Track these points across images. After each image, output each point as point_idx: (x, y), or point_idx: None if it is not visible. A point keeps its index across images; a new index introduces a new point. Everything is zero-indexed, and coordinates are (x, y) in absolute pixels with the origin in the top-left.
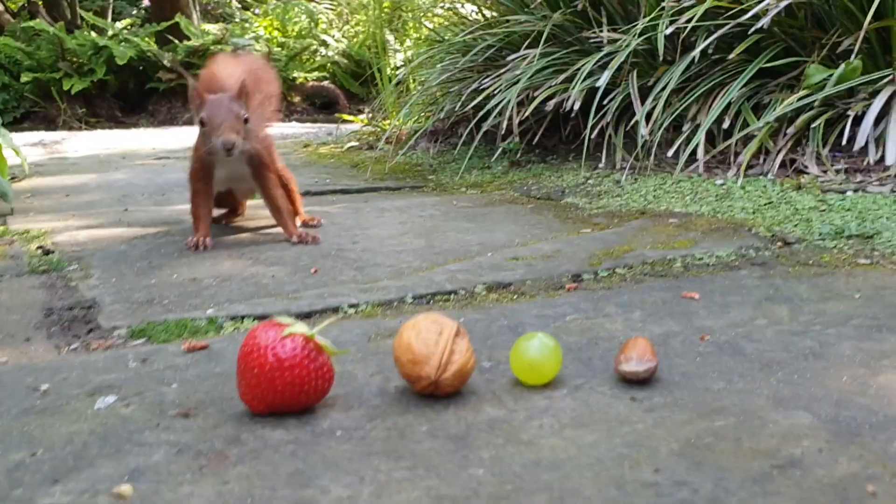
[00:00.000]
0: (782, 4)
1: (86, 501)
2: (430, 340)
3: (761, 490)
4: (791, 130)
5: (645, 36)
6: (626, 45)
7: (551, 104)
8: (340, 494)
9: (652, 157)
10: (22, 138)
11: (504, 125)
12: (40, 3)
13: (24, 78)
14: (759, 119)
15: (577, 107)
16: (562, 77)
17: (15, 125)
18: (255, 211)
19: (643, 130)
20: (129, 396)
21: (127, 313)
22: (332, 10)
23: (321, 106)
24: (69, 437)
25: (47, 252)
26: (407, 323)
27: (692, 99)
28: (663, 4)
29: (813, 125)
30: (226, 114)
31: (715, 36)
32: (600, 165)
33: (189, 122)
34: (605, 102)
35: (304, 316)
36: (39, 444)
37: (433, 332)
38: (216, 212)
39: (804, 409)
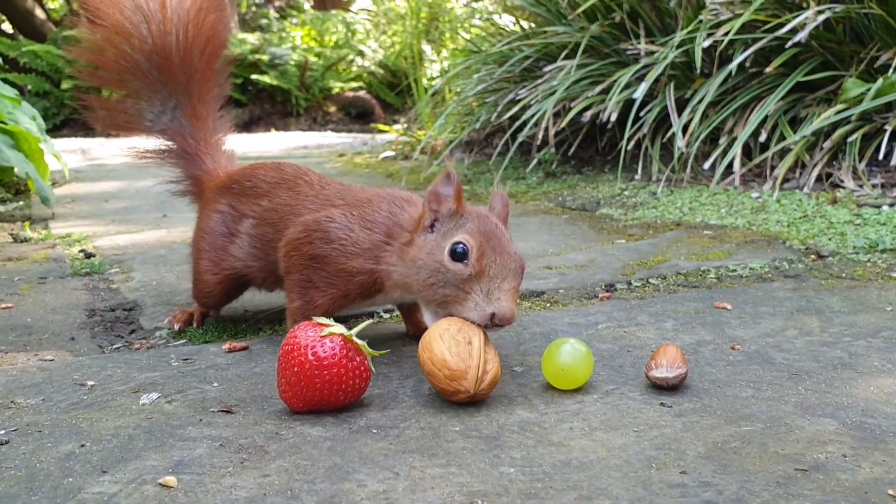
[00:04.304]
0: (820, 19)
1: (133, 491)
2: (463, 353)
3: (784, 492)
4: (828, 144)
5: (682, 48)
6: (664, 58)
7: (588, 115)
8: (376, 489)
9: (688, 170)
10: (62, 145)
11: (540, 136)
12: (82, 11)
13: (65, 85)
14: (795, 133)
15: (613, 118)
16: (598, 88)
17: (55, 132)
18: None
19: (680, 143)
20: (171, 393)
21: (168, 315)
22: (369, 20)
23: (357, 116)
24: (116, 431)
25: (89, 255)
26: (431, 334)
27: (729, 112)
28: (701, 17)
29: (850, 139)
30: (514, 265)
31: (752, 49)
32: (636, 177)
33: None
34: (641, 114)
35: (342, 319)
36: (88, 436)
37: (463, 342)
38: None
39: (830, 417)
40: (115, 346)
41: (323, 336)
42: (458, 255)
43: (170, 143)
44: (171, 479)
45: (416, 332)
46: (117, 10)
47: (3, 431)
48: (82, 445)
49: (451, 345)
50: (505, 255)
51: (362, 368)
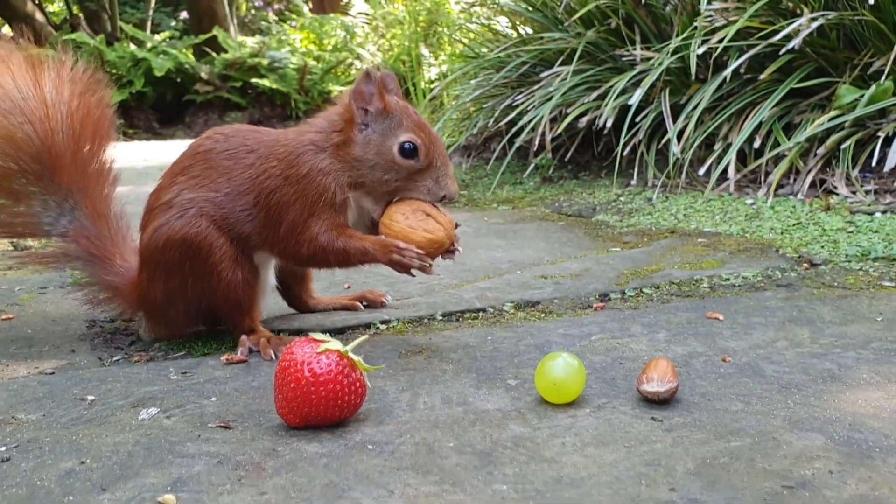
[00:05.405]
0: (814, 25)
1: None
2: (439, 217)
3: None
4: (821, 151)
5: (678, 55)
6: (659, 64)
7: (584, 121)
8: None
9: (683, 175)
10: None
11: (536, 141)
12: (81, 16)
13: None
14: (789, 139)
15: (609, 124)
16: (594, 94)
17: None
18: None
19: (675, 148)
20: (171, 408)
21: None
22: (367, 23)
23: None
24: (115, 447)
25: None
26: (394, 212)
27: (724, 118)
28: (696, 24)
29: (843, 146)
30: (444, 148)
31: (747, 56)
32: (632, 182)
33: None
34: (637, 120)
35: (338, 332)
36: (88, 453)
37: (431, 209)
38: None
39: (818, 431)
40: (115, 359)
41: (319, 352)
42: (409, 152)
43: (73, 245)
44: (169, 498)
45: (303, 306)
46: None
47: (3, 448)
48: (82, 462)
49: (428, 214)
50: (439, 143)
51: (358, 384)
